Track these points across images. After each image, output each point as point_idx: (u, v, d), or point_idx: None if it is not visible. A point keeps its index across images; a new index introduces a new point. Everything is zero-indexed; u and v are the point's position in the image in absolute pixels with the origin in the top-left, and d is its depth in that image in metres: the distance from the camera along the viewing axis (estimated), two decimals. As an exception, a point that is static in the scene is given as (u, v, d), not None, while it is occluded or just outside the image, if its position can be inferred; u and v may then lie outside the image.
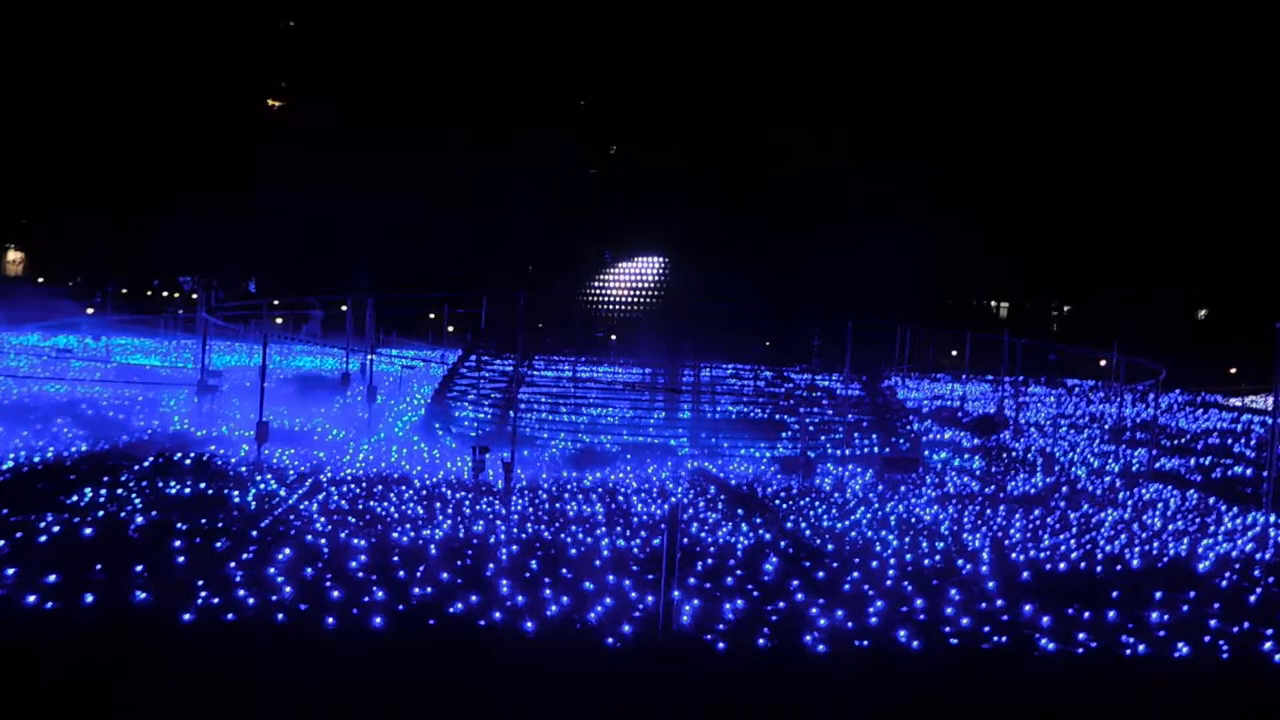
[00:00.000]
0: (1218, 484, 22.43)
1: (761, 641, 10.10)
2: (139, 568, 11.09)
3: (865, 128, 63.29)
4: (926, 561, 13.63)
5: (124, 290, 61.22)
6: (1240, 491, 21.12)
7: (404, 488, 17.29)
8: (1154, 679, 9.96)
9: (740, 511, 16.85)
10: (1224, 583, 13.19)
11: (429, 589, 11.04)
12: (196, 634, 9.58)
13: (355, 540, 13.02)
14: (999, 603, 11.64)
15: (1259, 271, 57.39)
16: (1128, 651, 10.44)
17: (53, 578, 10.46)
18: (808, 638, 10.22)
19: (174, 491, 15.70)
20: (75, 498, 14.65)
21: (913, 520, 16.63)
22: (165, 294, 66.87)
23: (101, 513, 13.81)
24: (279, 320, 47.40)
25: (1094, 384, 43.14)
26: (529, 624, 10.17)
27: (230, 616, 9.91)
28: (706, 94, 66.70)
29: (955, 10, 67.42)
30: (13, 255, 73.15)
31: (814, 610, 10.98)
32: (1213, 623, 11.30)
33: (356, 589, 10.90)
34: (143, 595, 10.31)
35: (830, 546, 14.38)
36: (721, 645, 9.96)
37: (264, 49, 71.73)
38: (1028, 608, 11.36)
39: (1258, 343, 28.25)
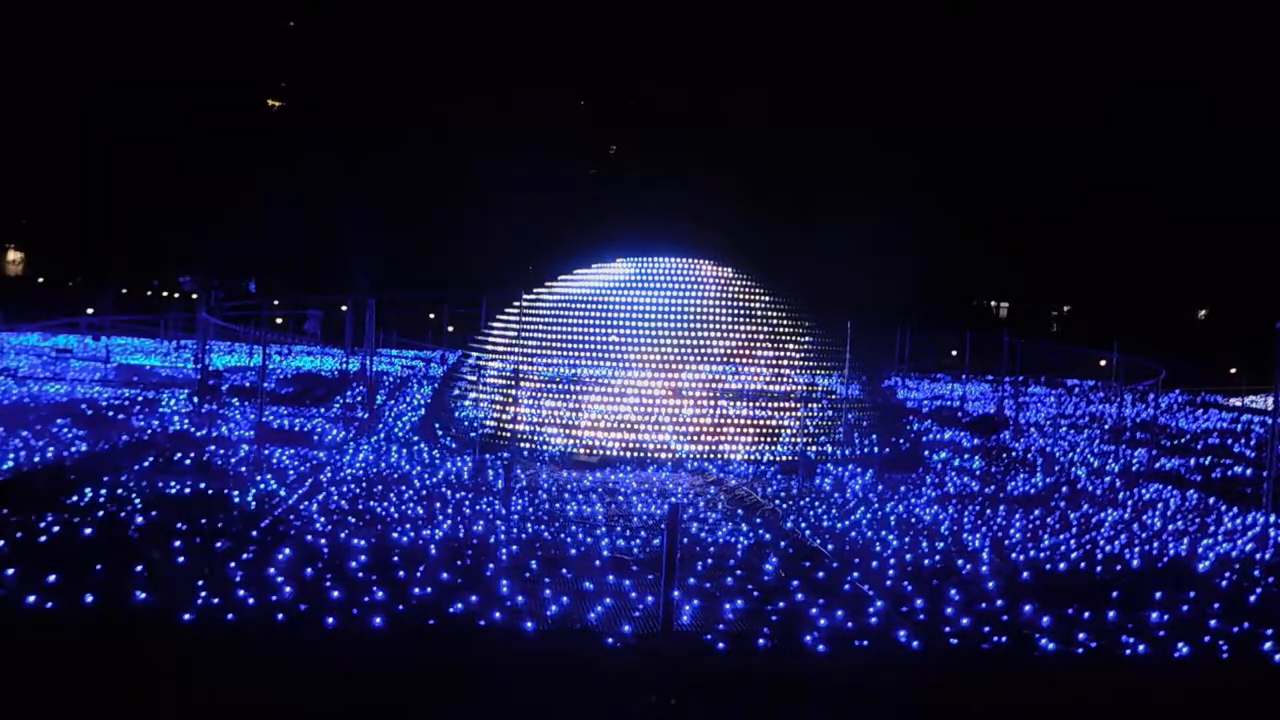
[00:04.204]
0: (1218, 484, 22.41)
1: (761, 641, 10.11)
2: (139, 568, 11.09)
3: (866, 126, 63.27)
4: (926, 561, 13.64)
5: (124, 290, 61.18)
6: (1240, 491, 21.11)
7: (404, 488, 17.30)
8: (1154, 679, 9.98)
9: (740, 512, 16.87)
10: (1224, 583, 13.20)
11: (429, 589, 11.05)
12: (196, 634, 9.59)
13: (355, 540, 13.03)
14: (999, 603, 11.66)
15: (1259, 271, 57.40)
16: (1128, 651, 10.46)
17: (53, 578, 10.46)
18: (808, 638, 10.23)
19: (174, 491, 15.71)
20: (75, 498, 14.64)
21: (913, 520, 16.64)
22: (165, 294, 66.77)
23: (101, 513, 13.80)
24: (279, 321, 47.38)
25: (1094, 384, 43.06)
26: (529, 624, 10.18)
27: (230, 616, 9.92)
28: (709, 90, 66.67)
29: (956, 8, 67.47)
30: (13, 255, 73.15)
31: (814, 610, 10.99)
32: (1213, 623, 11.31)
33: (356, 589, 10.91)
34: (143, 595, 10.32)
35: (830, 546, 14.39)
36: (721, 645, 9.97)
37: (264, 49, 71.67)
38: (1028, 608, 11.37)
39: (1258, 343, 28.22)
